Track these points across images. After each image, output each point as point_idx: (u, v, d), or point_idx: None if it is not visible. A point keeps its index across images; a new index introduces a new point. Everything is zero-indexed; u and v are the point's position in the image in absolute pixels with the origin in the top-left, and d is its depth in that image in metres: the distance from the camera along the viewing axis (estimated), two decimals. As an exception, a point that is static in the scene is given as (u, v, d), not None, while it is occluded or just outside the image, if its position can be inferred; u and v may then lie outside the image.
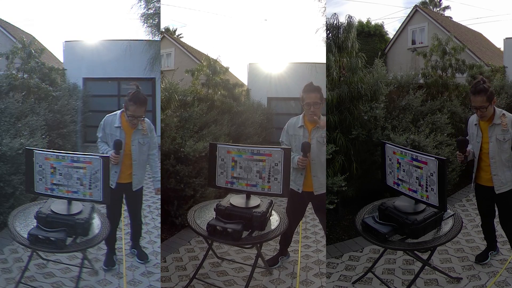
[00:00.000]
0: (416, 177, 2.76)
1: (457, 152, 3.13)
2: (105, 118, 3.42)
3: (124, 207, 3.68)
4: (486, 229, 3.45)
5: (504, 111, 3.11)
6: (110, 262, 3.46)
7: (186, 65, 6.84)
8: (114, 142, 3.21)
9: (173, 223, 4.35)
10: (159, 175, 3.58)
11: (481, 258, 3.43)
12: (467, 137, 3.28)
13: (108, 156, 2.98)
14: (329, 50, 4.31)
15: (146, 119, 3.44)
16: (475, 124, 3.20)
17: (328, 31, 4.38)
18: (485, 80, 3.03)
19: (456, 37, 6.59)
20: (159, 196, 3.80)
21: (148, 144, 3.46)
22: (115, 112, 3.40)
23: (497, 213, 3.28)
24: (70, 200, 2.92)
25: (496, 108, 3.11)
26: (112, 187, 3.32)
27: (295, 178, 3.32)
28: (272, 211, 3.09)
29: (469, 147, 3.21)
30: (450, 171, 4.75)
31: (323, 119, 3.33)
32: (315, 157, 3.27)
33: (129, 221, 3.74)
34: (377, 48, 7.63)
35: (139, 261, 3.59)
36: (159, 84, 5.47)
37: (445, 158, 2.67)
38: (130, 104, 3.23)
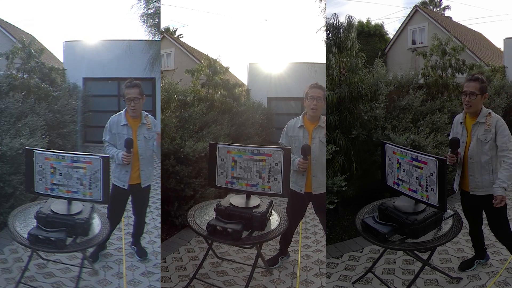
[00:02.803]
0: (416, 177, 2.76)
1: (448, 153, 3.00)
2: (110, 119, 3.43)
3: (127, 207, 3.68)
4: (474, 235, 3.34)
5: (491, 111, 3.00)
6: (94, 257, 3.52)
7: (186, 65, 6.84)
8: (125, 140, 3.24)
9: (173, 223, 4.35)
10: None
11: (466, 266, 3.34)
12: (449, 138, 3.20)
13: (108, 156, 2.97)
14: (329, 50, 4.31)
15: (149, 115, 3.48)
16: (461, 123, 3.11)
17: (328, 31, 4.38)
18: (483, 78, 3.01)
19: (456, 37, 6.59)
20: (159, 196, 3.81)
21: (153, 139, 3.44)
22: (119, 112, 3.43)
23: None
24: (70, 200, 2.92)
25: (484, 107, 3.01)
26: (125, 187, 3.35)
27: (296, 179, 3.32)
28: (272, 211, 3.09)
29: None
30: (450, 171, 4.74)
31: (323, 119, 3.33)
32: (316, 157, 3.27)
33: (129, 222, 3.75)
34: (377, 48, 7.63)
35: (138, 258, 3.60)
36: (159, 84, 5.48)
37: (445, 158, 2.67)
38: (124, 90, 3.33)
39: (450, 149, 3.02)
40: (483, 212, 3.16)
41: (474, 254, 3.40)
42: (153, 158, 3.52)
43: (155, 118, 3.61)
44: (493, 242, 3.64)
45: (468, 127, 3.05)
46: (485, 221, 3.22)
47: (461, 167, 3.10)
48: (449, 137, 3.26)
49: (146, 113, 3.47)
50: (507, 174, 2.81)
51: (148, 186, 3.53)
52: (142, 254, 3.64)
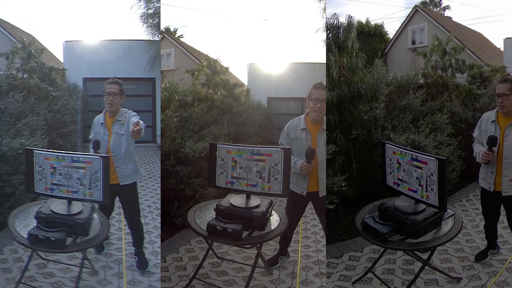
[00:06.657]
0: (416, 177, 2.76)
1: (485, 150, 3.05)
2: (94, 118, 3.46)
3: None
4: (489, 230, 3.47)
5: None
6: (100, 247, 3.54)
7: (186, 65, 6.83)
8: (92, 141, 3.27)
9: (173, 223, 4.35)
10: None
11: (481, 257, 3.44)
12: (474, 135, 3.32)
13: (108, 156, 2.98)
14: (329, 50, 4.31)
15: (127, 110, 3.39)
16: (493, 121, 3.17)
17: (328, 31, 4.39)
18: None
19: (456, 37, 6.58)
20: (159, 196, 3.77)
21: (127, 135, 3.28)
22: (103, 112, 3.42)
23: (503, 213, 3.27)
24: (70, 200, 2.92)
25: None
26: None
27: (297, 181, 3.30)
28: (272, 211, 3.09)
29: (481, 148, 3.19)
30: (450, 171, 4.75)
31: (324, 120, 3.32)
32: (322, 160, 3.25)
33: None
34: (377, 48, 7.62)
35: (137, 269, 3.44)
36: (159, 84, 5.47)
37: (445, 158, 2.67)
38: (105, 85, 3.32)
39: (487, 146, 3.07)
40: (503, 209, 3.25)
41: (486, 245, 3.50)
42: (132, 155, 3.35)
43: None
44: (493, 242, 3.65)
45: (502, 126, 3.13)
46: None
47: (494, 166, 3.14)
48: (473, 135, 3.35)
49: (126, 110, 3.37)
50: None
51: (129, 185, 3.36)
52: (141, 265, 3.47)
